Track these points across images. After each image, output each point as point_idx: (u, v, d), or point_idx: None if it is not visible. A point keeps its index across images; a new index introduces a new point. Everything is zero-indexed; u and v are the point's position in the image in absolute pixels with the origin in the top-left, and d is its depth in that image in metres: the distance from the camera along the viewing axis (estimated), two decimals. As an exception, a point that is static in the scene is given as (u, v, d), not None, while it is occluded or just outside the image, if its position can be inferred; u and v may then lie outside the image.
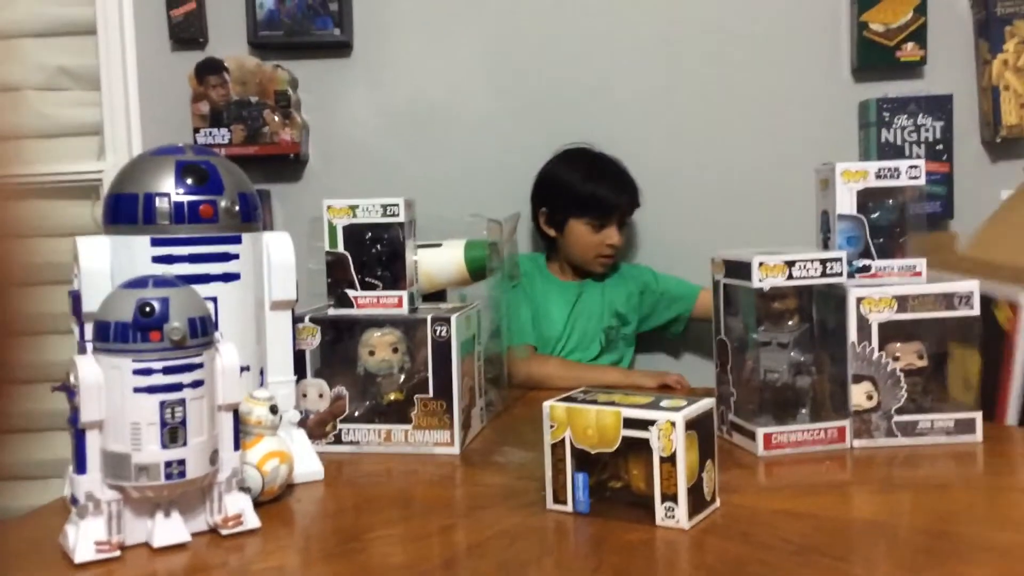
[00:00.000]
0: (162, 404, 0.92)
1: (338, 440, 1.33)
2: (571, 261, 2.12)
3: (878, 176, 1.30)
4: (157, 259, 1.06)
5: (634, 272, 2.16)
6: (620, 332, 2.11)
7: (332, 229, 1.39)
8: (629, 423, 0.99)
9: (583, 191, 2.04)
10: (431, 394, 1.31)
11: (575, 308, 2.09)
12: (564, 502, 1.04)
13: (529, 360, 1.91)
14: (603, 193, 2.04)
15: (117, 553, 0.94)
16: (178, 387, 0.93)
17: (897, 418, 1.26)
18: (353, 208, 1.38)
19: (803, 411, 1.28)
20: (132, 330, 0.91)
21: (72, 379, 0.92)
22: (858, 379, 1.26)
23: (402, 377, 1.35)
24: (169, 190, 1.07)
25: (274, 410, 1.10)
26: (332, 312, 1.37)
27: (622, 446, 0.99)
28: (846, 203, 1.30)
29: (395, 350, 1.34)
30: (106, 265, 1.06)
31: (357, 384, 1.35)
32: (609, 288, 2.12)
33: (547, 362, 1.97)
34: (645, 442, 0.98)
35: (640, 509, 0.99)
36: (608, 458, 1.01)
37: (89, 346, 0.95)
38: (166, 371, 0.92)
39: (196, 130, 2.14)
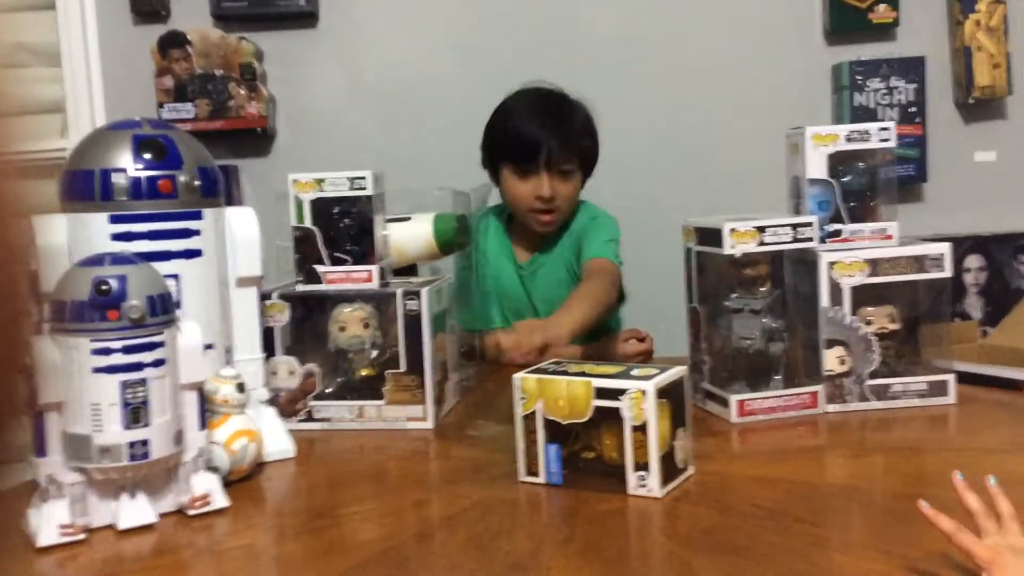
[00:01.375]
0: (123, 384, 0.90)
1: (310, 418, 1.32)
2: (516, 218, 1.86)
3: (848, 139, 1.29)
4: (116, 236, 1.04)
5: (582, 225, 1.84)
6: None
7: (299, 204, 1.36)
8: (600, 393, 0.98)
9: (506, 128, 1.77)
10: (403, 369, 1.30)
11: (532, 287, 1.88)
12: (536, 474, 1.03)
13: (493, 337, 1.84)
14: (524, 128, 1.74)
15: (82, 536, 0.92)
16: (139, 366, 0.91)
17: (870, 382, 1.26)
18: (320, 182, 1.36)
19: (776, 377, 1.27)
20: (89, 309, 0.89)
21: (28, 361, 0.90)
22: (830, 344, 1.26)
23: (374, 353, 1.33)
24: (127, 165, 1.04)
25: (241, 388, 1.08)
26: (301, 288, 1.35)
27: (594, 416, 0.98)
28: (816, 167, 1.29)
29: (366, 325, 1.33)
30: (63, 243, 1.03)
31: (328, 361, 1.33)
32: (565, 251, 1.84)
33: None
34: (616, 412, 0.97)
35: (613, 479, 0.98)
36: (580, 429, 1.00)
37: (46, 327, 0.93)
38: (126, 350, 0.90)
39: (160, 105, 2.10)
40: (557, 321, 1.61)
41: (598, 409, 0.98)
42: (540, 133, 1.73)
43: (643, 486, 0.97)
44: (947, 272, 1.26)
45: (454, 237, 1.48)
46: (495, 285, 1.89)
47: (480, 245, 1.89)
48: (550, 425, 1.01)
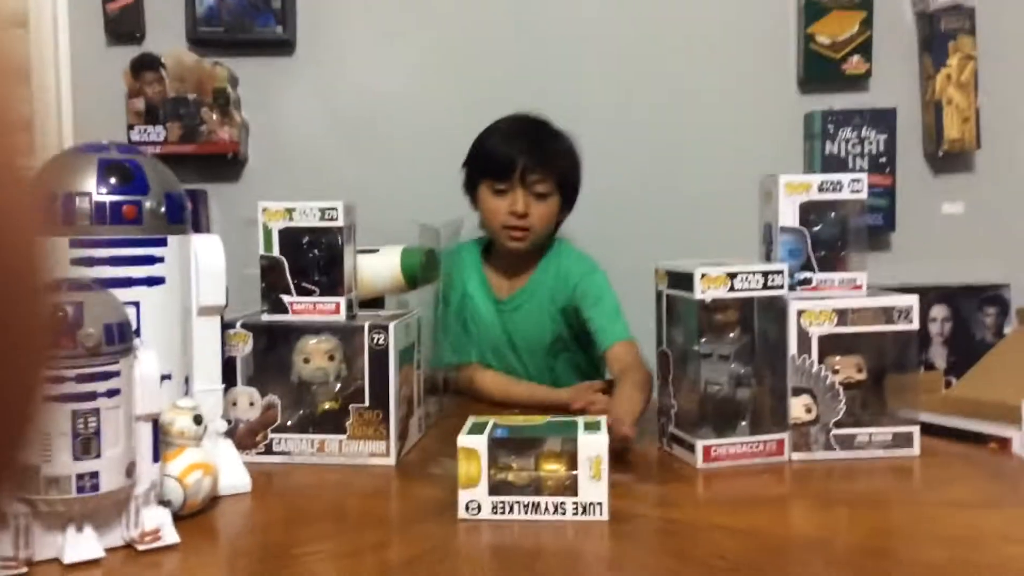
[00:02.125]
0: (74, 414, 0.88)
1: (269, 450, 1.29)
2: (492, 238, 1.84)
3: (820, 189, 1.30)
4: (76, 261, 1.01)
5: (569, 272, 1.80)
6: (564, 349, 1.83)
7: (267, 232, 1.34)
8: None
9: (484, 145, 1.78)
10: (367, 403, 1.27)
11: (511, 325, 1.84)
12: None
13: (468, 371, 1.79)
14: (501, 145, 1.75)
15: (24, 570, 0.89)
16: (92, 396, 0.88)
17: (836, 431, 1.26)
18: (290, 211, 1.34)
19: (743, 423, 1.27)
20: (43, 336, 0.86)
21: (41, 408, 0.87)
22: (797, 392, 1.26)
23: (338, 386, 1.31)
24: (91, 189, 1.02)
25: (198, 420, 1.05)
26: (266, 318, 1.33)
27: None
28: (788, 216, 1.29)
29: (331, 358, 1.30)
30: (21, 266, 1.00)
31: (291, 393, 1.31)
32: (546, 292, 1.81)
33: (484, 375, 1.77)
34: None
35: None
36: None
37: None
38: (79, 379, 0.87)
39: (131, 127, 2.08)
40: (621, 410, 1.42)
41: None
42: (516, 150, 1.74)
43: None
44: (914, 324, 1.27)
45: (421, 272, 1.47)
46: (473, 320, 1.86)
47: (455, 279, 1.87)
48: None
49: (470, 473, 1.04)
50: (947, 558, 0.92)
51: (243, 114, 2.16)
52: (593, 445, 1.02)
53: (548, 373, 1.84)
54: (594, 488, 1.02)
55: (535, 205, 1.74)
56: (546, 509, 1.02)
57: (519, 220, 1.74)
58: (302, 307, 1.34)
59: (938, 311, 2.01)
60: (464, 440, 1.05)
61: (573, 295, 1.77)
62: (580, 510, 1.02)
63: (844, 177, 1.30)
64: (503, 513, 1.03)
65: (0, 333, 0.30)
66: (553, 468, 1.04)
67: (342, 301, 1.33)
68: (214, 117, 2.07)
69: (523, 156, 1.73)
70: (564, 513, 1.02)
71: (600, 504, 1.02)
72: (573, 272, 1.79)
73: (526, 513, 1.02)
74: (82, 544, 0.92)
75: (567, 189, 1.80)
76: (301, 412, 1.31)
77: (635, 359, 1.62)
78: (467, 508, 1.03)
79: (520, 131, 1.78)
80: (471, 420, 1.13)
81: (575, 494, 1.02)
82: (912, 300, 1.27)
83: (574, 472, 1.02)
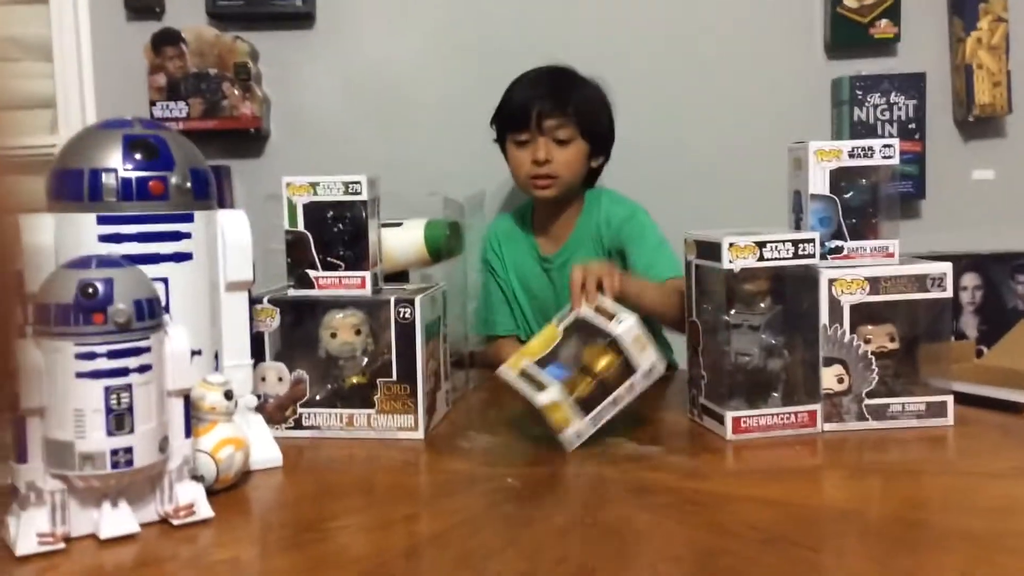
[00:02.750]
0: (107, 390, 0.88)
1: (298, 425, 1.29)
2: (525, 193, 1.83)
3: (851, 155, 1.27)
4: (104, 238, 1.01)
5: (612, 216, 1.78)
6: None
7: (292, 207, 1.34)
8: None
9: (506, 98, 1.76)
10: (395, 378, 1.27)
11: (559, 280, 1.77)
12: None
13: (496, 347, 1.80)
14: (519, 94, 1.74)
15: (61, 545, 0.90)
16: (124, 372, 0.88)
17: (868, 402, 1.24)
18: (314, 185, 1.34)
19: (775, 394, 1.25)
20: (74, 312, 0.86)
21: (16, 364, 0.88)
22: (829, 362, 1.24)
23: (365, 360, 1.31)
24: (116, 165, 1.02)
25: (229, 395, 1.05)
26: (292, 293, 1.33)
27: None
28: (819, 183, 1.27)
29: (358, 332, 1.30)
30: (49, 243, 1.01)
31: (318, 367, 1.31)
32: (592, 241, 1.76)
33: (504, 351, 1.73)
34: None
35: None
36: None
37: (30, 329, 0.90)
38: (111, 355, 0.88)
39: (152, 103, 2.07)
40: (630, 279, 1.49)
41: None
42: (533, 97, 1.72)
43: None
44: (948, 292, 1.25)
45: (445, 244, 1.46)
46: (523, 286, 1.84)
47: (489, 255, 1.86)
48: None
49: (561, 419, 1.18)
50: (983, 528, 0.91)
51: (264, 89, 2.15)
52: (628, 329, 1.21)
53: None
54: (646, 356, 1.21)
55: (557, 151, 1.71)
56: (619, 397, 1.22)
57: (541, 168, 1.71)
58: (328, 282, 1.33)
59: (969, 279, 1.98)
60: (541, 399, 1.18)
61: (618, 238, 1.74)
62: (645, 375, 1.22)
63: (875, 143, 1.28)
64: (598, 420, 1.20)
65: None
66: (605, 363, 1.23)
67: (368, 275, 1.33)
68: (236, 92, 2.07)
69: (539, 102, 1.70)
70: (633, 389, 1.22)
71: (655, 367, 1.22)
72: (615, 216, 1.76)
73: (615, 406, 1.21)
74: (118, 519, 0.92)
75: (593, 135, 1.75)
76: (329, 387, 1.31)
77: (679, 287, 1.54)
78: (576, 438, 1.20)
79: (538, 79, 1.75)
80: (511, 372, 1.26)
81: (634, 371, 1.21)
82: (946, 267, 1.25)
83: (621, 355, 1.21)
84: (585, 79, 1.79)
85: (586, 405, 1.20)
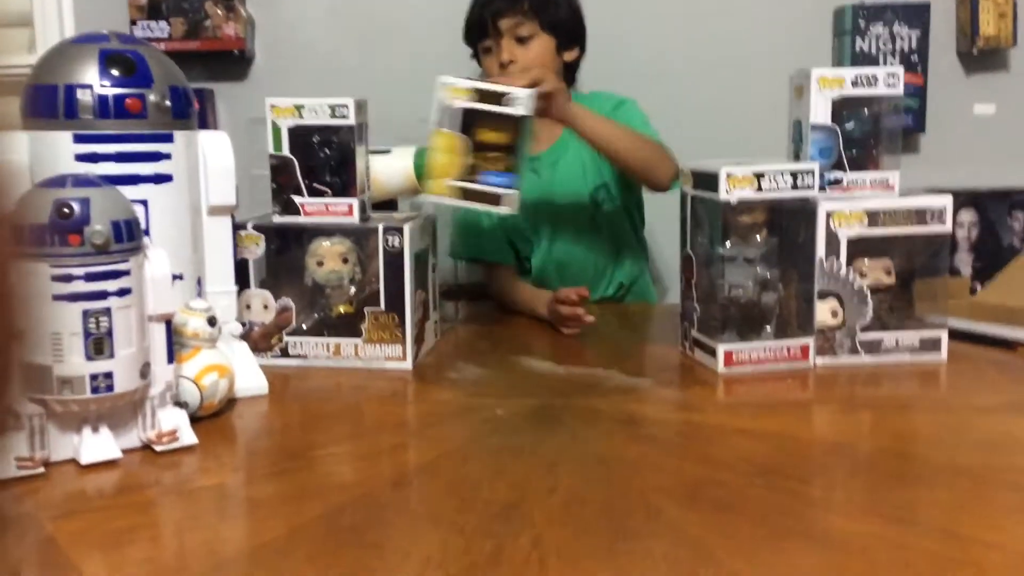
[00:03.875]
0: (85, 313, 0.85)
1: (284, 353, 1.27)
2: None
3: (855, 84, 1.24)
4: (80, 157, 0.98)
5: (603, 105, 1.71)
6: (608, 199, 1.72)
7: (276, 130, 1.30)
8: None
9: (467, 12, 1.73)
10: (383, 307, 1.25)
11: (551, 180, 1.73)
12: None
13: (499, 281, 1.74)
14: (475, 2, 1.71)
15: (41, 469, 0.88)
16: (103, 295, 0.86)
17: (862, 336, 1.23)
18: (299, 108, 1.29)
19: (768, 328, 1.24)
20: (49, 233, 0.83)
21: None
22: (824, 296, 1.22)
23: (352, 289, 1.28)
24: (92, 81, 0.98)
25: (212, 321, 1.03)
26: (277, 219, 1.30)
27: None
28: (821, 112, 1.24)
29: (345, 260, 1.28)
30: (24, 162, 0.97)
31: (305, 295, 1.28)
32: (577, 140, 1.65)
33: (500, 283, 1.74)
34: None
35: None
36: None
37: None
38: (88, 278, 0.85)
39: (133, 22, 2.01)
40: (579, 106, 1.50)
41: None
42: (487, 1, 1.67)
43: None
44: (947, 226, 1.23)
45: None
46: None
47: None
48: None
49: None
50: (974, 462, 0.91)
51: (248, 9, 2.08)
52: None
53: (589, 239, 1.74)
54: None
55: (520, 51, 1.66)
56: None
57: (505, 70, 1.65)
58: (314, 208, 1.30)
59: (965, 216, 1.96)
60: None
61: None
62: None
63: (879, 71, 1.24)
64: None
65: None
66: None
67: (355, 202, 1.29)
68: (219, 12, 2.00)
69: (493, 4, 1.66)
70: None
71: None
72: (605, 105, 1.70)
73: None
74: (99, 445, 0.91)
75: (555, 26, 1.70)
76: (316, 315, 1.29)
77: (662, 147, 1.57)
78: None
79: None
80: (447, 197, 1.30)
81: None
82: (946, 201, 1.22)
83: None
84: None
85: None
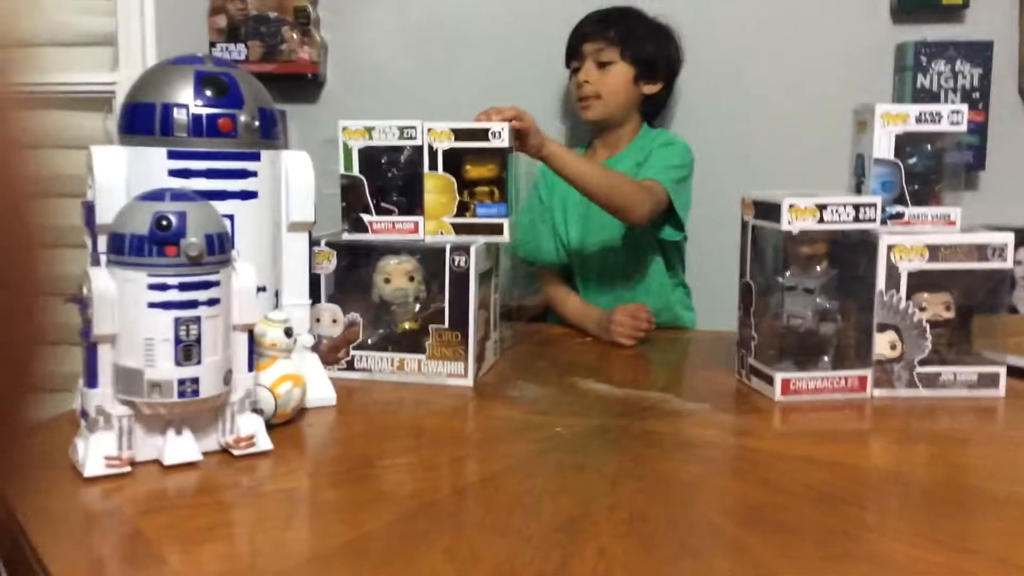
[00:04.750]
0: (177, 320, 0.90)
1: (350, 367, 1.32)
2: None
3: (918, 120, 1.26)
4: (173, 172, 1.03)
5: (661, 140, 1.82)
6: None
7: (347, 151, 1.35)
8: None
9: None
10: (446, 325, 1.29)
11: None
12: None
13: (547, 279, 1.84)
14: (579, 23, 1.85)
15: (127, 469, 0.93)
16: (194, 304, 0.91)
17: (920, 369, 1.24)
18: (369, 130, 1.35)
19: (825, 358, 1.25)
20: (148, 243, 0.89)
21: (85, 291, 0.90)
22: (883, 328, 1.24)
23: (417, 306, 1.32)
24: (188, 101, 1.04)
25: (289, 333, 1.08)
26: (348, 237, 1.35)
27: None
28: (884, 147, 1.25)
29: (411, 279, 1.32)
30: (121, 176, 1.03)
31: (371, 311, 1.33)
32: (632, 159, 1.78)
33: (551, 290, 1.83)
34: None
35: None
36: None
37: (103, 258, 0.93)
38: (182, 287, 0.90)
39: (212, 44, 2.09)
40: (555, 142, 1.57)
41: None
42: (580, 26, 1.83)
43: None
44: (1008, 263, 1.23)
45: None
46: (562, 202, 1.85)
47: (539, 180, 1.88)
48: None
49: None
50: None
51: (322, 33, 2.16)
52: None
53: (624, 259, 1.79)
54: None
55: (597, 73, 1.80)
56: None
57: (582, 89, 1.80)
58: (381, 226, 1.35)
59: (1024, 253, 1.95)
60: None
61: (653, 151, 1.78)
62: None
63: (943, 108, 1.26)
64: None
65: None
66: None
67: (421, 221, 1.34)
68: (295, 36, 2.07)
69: (583, 29, 1.82)
70: None
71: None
72: (656, 141, 1.81)
73: None
74: (181, 447, 0.95)
75: (637, 58, 1.81)
76: (381, 331, 1.33)
77: (644, 190, 1.63)
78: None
79: (597, 11, 1.85)
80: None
81: None
82: (1007, 238, 1.23)
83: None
84: (637, 11, 1.87)
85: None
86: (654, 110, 1.92)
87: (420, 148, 1.35)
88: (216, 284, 0.92)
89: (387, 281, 1.32)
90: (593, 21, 1.83)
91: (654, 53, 1.84)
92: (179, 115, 1.02)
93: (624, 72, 1.81)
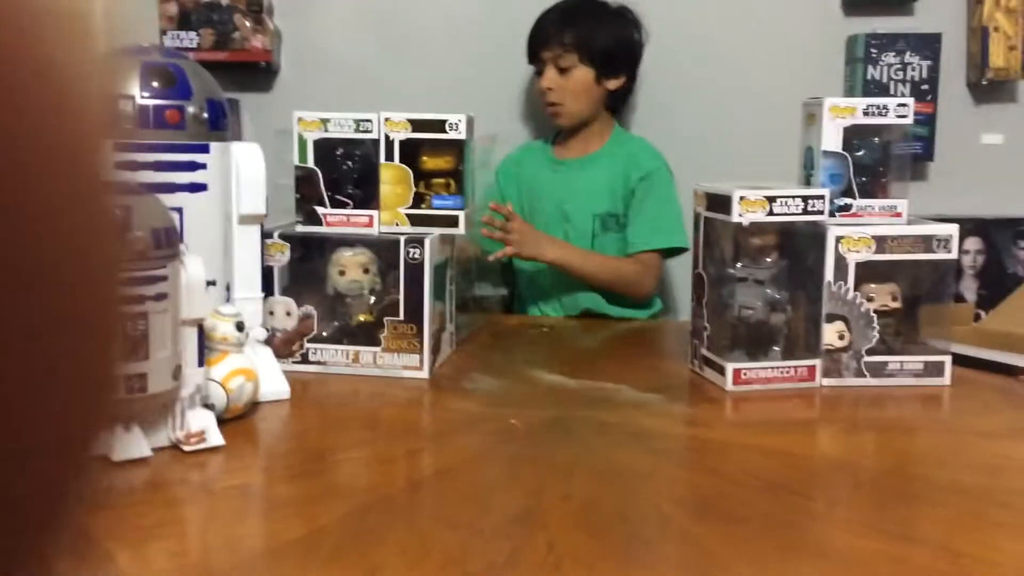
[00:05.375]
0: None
1: (305, 360, 1.31)
2: None
3: (866, 113, 1.28)
4: (119, 165, 1.01)
5: (641, 159, 1.84)
6: (615, 227, 1.82)
7: (302, 143, 1.34)
8: None
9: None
10: (401, 317, 1.29)
11: (566, 185, 1.85)
12: None
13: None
14: (533, 26, 1.84)
15: (75, 466, 0.91)
16: (140, 299, 0.89)
17: (867, 358, 1.26)
18: (324, 122, 1.34)
19: (776, 348, 1.27)
20: (92, 238, 0.87)
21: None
22: (831, 318, 1.26)
23: (372, 299, 1.32)
24: (133, 93, 1.02)
25: (240, 327, 1.07)
26: (302, 229, 1.34)
27: None
28: (832, 139, 1.27)
29: (366, 271, 1.31)
30: (65, 169, 1.01)
31: (325, 304, 1.32)
32: (607, 172, 1.83)
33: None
34: None
35: None
36: None
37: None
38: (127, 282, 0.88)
39: (163, 32, 2.05)
40: (556, 243, 1.72)
41: None
42: (537, 29, 1.83)
43: None
44: (953, 254, 1.26)
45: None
46: (526, 194, 1.88)
47: (499, 170, 1.89)
48: None
49: None
50: (975, 484, 0.94)
51: (276, 21, 2.13)
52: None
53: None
54: None
55: (559, 80, 1.82)
56: None
57: (545, 96, 1.82)
58: (336, 219, 1.34)
59: (971, 243, 1.99)
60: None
61: (639, 184, 1.81)
62: None
63: (890, 102, 1.28)
64: None
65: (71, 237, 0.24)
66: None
67: (375, 214, 1.33)
68: (247, 24, 2.04)
69: (540, 33, 1.82)
70: None
71: None
72: (643, 162, 1.83)
73: None
74: (130, 443, 0.94)
75: (594, 59, 1.81)
76: (336, 323, 1.32)
77: (643, 267, 1.74)
78: None
79: (552, 10, 1.84)
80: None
81: None
82: (952, 229, 1.26)
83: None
84: (601, 5, 1.86)
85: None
86: (620, 101, 1.95)
87: (377, 141, 1.34)
88: (163, 279, 0.91)
89: (342, 273, 1.31)
90: (550, 23, 1.82)
91: (613, 47, 1.85)
92: (124, 106, 1.01)
93: (585, 74, 1.82)
